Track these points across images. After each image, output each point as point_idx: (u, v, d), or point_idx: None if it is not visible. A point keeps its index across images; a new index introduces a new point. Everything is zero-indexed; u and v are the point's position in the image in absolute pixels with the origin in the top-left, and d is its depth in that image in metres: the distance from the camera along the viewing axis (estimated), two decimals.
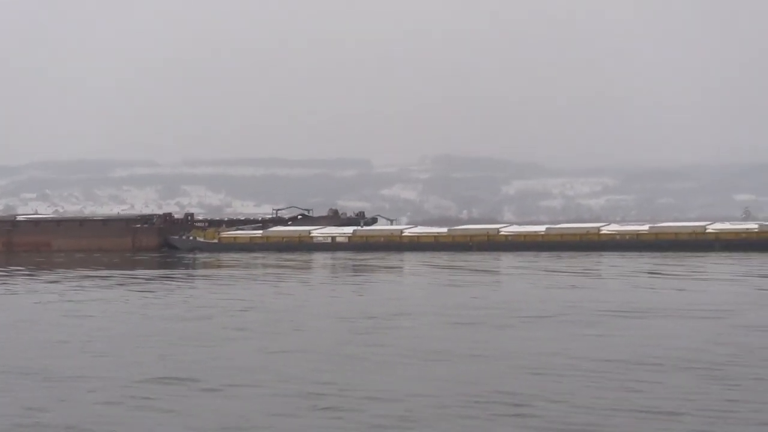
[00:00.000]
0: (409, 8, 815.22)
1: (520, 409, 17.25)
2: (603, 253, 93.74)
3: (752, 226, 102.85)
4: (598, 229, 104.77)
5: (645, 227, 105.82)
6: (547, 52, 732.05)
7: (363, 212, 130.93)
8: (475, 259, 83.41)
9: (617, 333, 27.87)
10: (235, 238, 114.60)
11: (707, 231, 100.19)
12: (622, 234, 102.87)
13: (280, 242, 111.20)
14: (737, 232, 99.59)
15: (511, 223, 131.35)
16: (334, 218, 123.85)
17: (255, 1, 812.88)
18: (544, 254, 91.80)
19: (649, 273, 59.81)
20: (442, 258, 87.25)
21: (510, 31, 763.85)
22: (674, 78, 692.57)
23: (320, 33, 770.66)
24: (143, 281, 58.02)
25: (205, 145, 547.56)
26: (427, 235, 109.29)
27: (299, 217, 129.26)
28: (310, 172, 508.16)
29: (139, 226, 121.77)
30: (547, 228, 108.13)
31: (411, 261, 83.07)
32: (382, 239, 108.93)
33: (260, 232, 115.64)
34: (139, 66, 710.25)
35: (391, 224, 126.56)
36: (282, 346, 25.97)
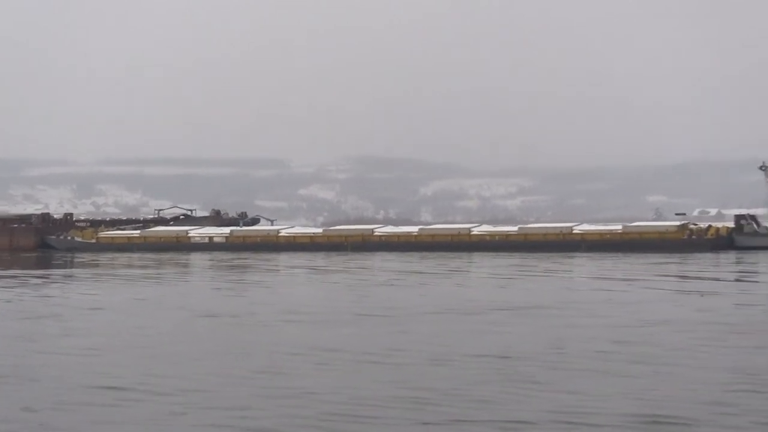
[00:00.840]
0: (329, 7, 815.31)
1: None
2: (474, 253, 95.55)
3: (616, 227, 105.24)
4: (469, 230, 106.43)
5: (515, 228, 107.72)
6: (466, 50, 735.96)
7: (245, 212, 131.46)
8: (347, 259, 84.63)
9: (424, 329, 29.59)
10: (112, 238, 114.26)
11: (574, 232, 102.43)
12: (492, 235, 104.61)
13: (158, 242, 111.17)
14: (602, 233, 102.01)
15: (387, 224, 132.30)
16: (216, 218, 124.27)
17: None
18: (416, 254, 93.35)
19: (508, 273, 61.95)
20: (318, 258, 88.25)
21: (433, 31, 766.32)
22: (592, 79, 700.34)
23: (238, 30, 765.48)
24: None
25: (123, 144, 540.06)
26: (303, 236, 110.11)
27: (181, 217, 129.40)
28: (227, 172, 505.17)
29: (16, 225, 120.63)
30: (420, 229, 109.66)
31: (285, 261, 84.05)
32: (258, 239, 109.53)
33: (138, 232, 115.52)
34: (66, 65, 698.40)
35: (272, 225, 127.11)
36: (105, 343, 27.29)
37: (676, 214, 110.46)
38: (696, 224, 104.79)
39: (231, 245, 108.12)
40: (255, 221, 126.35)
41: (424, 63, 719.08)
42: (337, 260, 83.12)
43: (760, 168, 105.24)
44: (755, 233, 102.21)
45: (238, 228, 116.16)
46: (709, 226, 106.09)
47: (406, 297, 42.74)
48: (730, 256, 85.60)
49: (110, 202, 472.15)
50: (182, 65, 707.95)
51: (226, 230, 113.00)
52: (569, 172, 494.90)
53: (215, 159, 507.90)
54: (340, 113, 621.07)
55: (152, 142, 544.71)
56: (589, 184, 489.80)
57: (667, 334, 28.15)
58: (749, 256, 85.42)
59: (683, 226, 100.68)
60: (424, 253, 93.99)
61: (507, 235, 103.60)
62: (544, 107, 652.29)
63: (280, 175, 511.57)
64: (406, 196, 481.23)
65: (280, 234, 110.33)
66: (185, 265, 79.22)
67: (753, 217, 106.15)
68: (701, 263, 73.94)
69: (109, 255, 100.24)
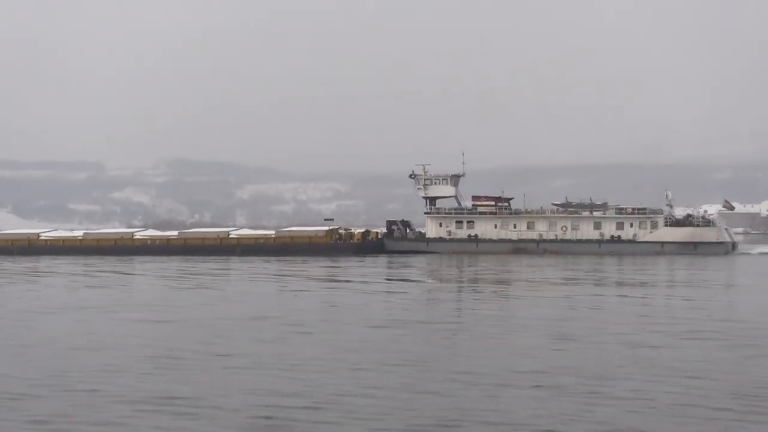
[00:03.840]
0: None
1: None
2: (135, 257, 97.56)
3: (269, 232, 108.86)
4: (132, 234, 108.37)
5: (175, 233, 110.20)
6: (293, 54, 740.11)
7: None
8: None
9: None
10: None
11: (230, 236, 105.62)
12: (153, 239, 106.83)
13: None
14: (256, 238, 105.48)
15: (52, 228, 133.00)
16: None
17: None
18: (81, 258, 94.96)
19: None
20: None
21: (258, 33, 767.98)
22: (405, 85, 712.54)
23: (45, 30, 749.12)
24: None
25: None
26: None
27: None
28: (39, 174, 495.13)
29: None
30: (84, 233, 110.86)
31: None
32: None
33: None
34: None
35: None
36: None
37: (325, 220, 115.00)
38: (347, 229, 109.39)
39: None
40: None
41: (245, 67, 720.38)
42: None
43: (410, 176, 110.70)
44: (403, 238, 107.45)
45: None
46: (367, 230, 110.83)
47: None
48: (370, 259, 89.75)
49: None
50: None
51: None
52: (385, 176, 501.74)
53: (25, 161, 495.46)
54: (158, 116, 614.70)
55: None
56: (403, 188, 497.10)
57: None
58: (391, 259, 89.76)
59: (332, 231, 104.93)
60: (84, 257, 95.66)
61: (168, 240, 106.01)
62: (357, 115, 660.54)
63: (94, 178, 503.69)
64: (222, 199, 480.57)
65: None
66: None
67: (406, 223, 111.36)
68: (315, 265, 77.33)
69: None
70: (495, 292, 48.31)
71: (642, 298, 43.25)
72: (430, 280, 58.40)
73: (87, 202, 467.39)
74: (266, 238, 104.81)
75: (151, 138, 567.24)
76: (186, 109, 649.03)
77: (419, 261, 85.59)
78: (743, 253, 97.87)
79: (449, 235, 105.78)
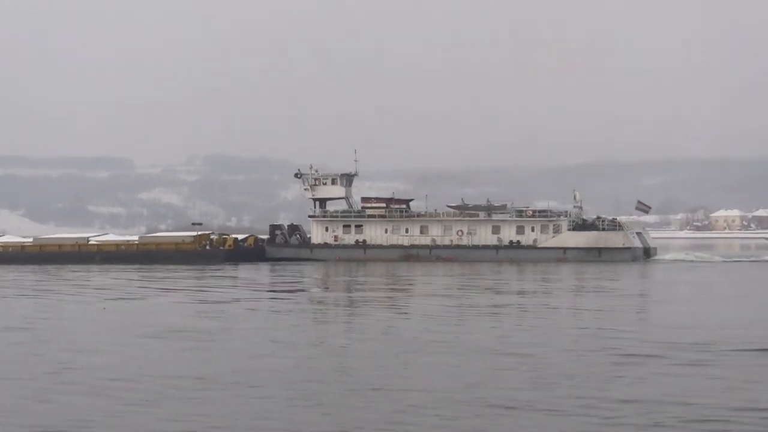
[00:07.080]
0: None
1: None
2: None
3: (133, 238, 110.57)
4: None
5: (30, 239, 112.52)
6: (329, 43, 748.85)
7: None
8: None
9: None
10: None
11: (90, 243, 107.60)
12: (5, 246, 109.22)
13: None
14: (118, 244, 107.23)
15: None
16: None
17: None
18: None
19: None
20: None
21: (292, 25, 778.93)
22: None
23: (82, 24, 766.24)
24: None
25: None
26: None
27: None
28: (57, 173, 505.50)
29: None
30: None
31: None
32: None
33: None
34: None
35: None
36: None
37: (193, 224, 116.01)
38: (222, 234, 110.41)
39: None
40: None
41: (281, 57, 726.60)
42: None
43: (296, 176, 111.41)
44: (285, 244, 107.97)
45: None
46: (251, 235, 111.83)
47: None
48: (242, 267, 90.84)
49: None
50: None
51: None
52: (448, 173, 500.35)
53: (42, 158, 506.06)
54: (191, 106, 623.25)
55: None
56: (469, 187, 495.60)
57: None
58: (274, 268, 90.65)
59: (200, 237, 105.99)
60: None
61: (22, 247, 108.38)
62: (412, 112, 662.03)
63: (120, 176, 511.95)
64: (263, 200, 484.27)
65: None
66: None
67: (295, 228, 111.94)
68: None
69: None
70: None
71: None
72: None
73: (110, 203, 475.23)
74: (129, 244, 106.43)
75: (183, 130, 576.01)
76: (223, 98, 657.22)
77: (271, 271, 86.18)
78: (656, 260, 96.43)
79: (336, 240, 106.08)
